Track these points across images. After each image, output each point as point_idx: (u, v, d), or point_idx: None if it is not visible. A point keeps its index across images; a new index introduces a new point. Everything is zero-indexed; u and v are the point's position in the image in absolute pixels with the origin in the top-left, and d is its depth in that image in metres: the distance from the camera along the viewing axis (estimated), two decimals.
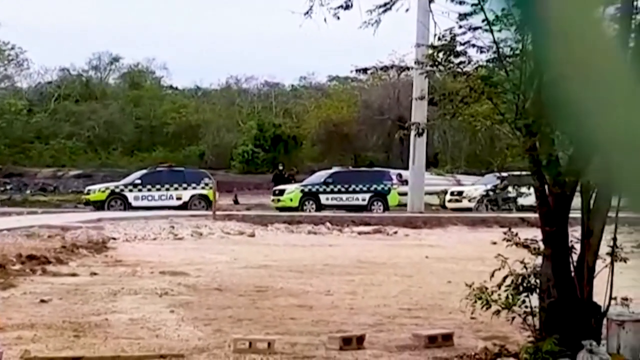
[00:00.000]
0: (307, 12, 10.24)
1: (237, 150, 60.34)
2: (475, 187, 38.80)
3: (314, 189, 36.79)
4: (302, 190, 36.75)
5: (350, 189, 36.92)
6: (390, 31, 13.32)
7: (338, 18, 10.10)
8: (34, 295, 13.04)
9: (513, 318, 8.49)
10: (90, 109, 64.26)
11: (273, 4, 73.92)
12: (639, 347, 8.39)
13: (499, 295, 8.34)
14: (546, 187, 8.35)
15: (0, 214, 29.50)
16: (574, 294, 8.28)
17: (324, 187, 36.73)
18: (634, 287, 9.71)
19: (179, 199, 35.73)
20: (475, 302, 8.43)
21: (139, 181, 36.23)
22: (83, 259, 18.56)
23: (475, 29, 8.68)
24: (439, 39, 9.04)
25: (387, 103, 58.78)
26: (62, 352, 8.93)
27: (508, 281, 8.38)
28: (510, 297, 8.31)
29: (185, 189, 36.05)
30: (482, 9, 8.44)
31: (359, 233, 27.73)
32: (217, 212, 30.20)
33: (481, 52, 8.73)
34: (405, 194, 37.36)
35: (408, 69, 13.51)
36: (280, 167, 43.74)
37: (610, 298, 8.40)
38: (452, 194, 39.13)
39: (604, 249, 8.42)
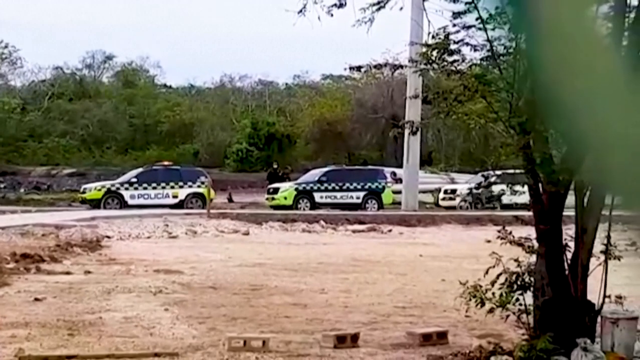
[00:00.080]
0: (301, 11, 10.24)
1: (231, 148, 60.37)
2: (467, 185, 38.94)
3: (308, 188, 36.78)
4: (296, 189, 36.74)
5: (345, 188, 36.91)
6: (384, 30, 13.34)
7: (332, 15, 10.11)
8: (28, 293, 13.03)
9: (507, 316, 8.50)
10: (84, 108, 64.22)
11: (267, 2, 73.97)
12: (633, 344, 8.42)
13: (493, 293, 8.35)
14: (540, 185, 8.37)
15: None
16: (568, 292, 8.29)
17: (319, 185, 36.73)
18: (627, 285, 9.74)
19: (175, 197, 35.69)
20: (470, 300, 8.43)
21: (135, 180, 36.17)
22: (77, 258, 18.54)
23: (469, 27, 8.69)
24: (433, 37, 9.04)
25: (381, 101, 58.80)
26: (57, 350, 8.92)
27: (502, 279, 8.39)
28: (504, 295, 8.32)
29: (181, 187, 36.01)
30: (475, 8, 8.45)
31: (353, 231, 27.74)
32: (212, 211, 30.19)
33: (475, 50, 8.74)
34: (399, 192, 37.40)
35: (402, 67, 13.52)
36: (275, 166, 43.73)
37: (604, 296, 8.41)
38: (445, 192, 39.20)
39: (598, 247, 8.43)
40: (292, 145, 61.62)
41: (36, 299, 12.40)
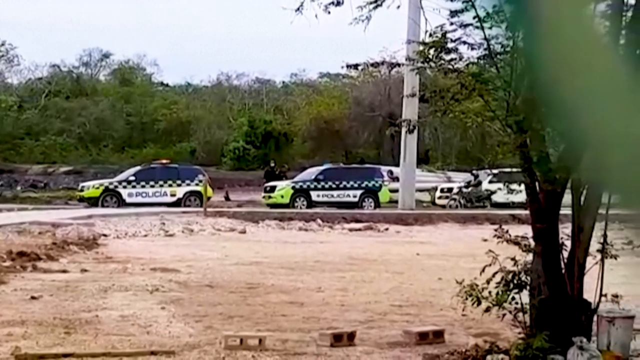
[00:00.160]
0: (298, 9, 10.23)
1: (228, 146, 60.33)
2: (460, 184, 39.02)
3: (305, 186, 36.78)
4: (293, 187, 36.74)
5: (342, 186, 36.91)
6: (382, 28, 13.33)
7: (329, 13, 10.10)
8: (24, 291, 13.02)
9: (504, 315, 8.49)
10: (81, 106, 64.12)
11: (264, 1, 73.91)
12: (629, 343, 8.43)
13: (490, 292, 8.35)
14: (537, 184, 8.37)
15: None
16: (565, 290, 8.30)
17: (315, 184, 36.71)
18: (624, 284, 9.73)
19: (173, 195, 35.68)
20: (466, 299, 8.43)
21: (133, 178, 36.16)
22: (74, 256, 18.53)
23: (466, 25, 8.68)
24: (430, 35, 9.03)
25: (378, 100, 58.78)
26: (53, 348, 8.92)
27: (498, 278, 8.39)
28: (500, 294, 8.31)
29: (179, 185, 35.99)
30: (473, 6, 8.45)
31: (350, 230, 27.74)
32: (208, 209, 30.18)
33: (472, 49, 8.74)
34: (396, 191, 37.39)
35: (399, 65, 13.54)
36: (272, 164, 43.73)
37: (601, 295, 8.41)
38: (442, 190, 39.21)
39: (594, 245, 8.43)
40: (289, 143, 61.60)
41: (32, 297, 12.39)
